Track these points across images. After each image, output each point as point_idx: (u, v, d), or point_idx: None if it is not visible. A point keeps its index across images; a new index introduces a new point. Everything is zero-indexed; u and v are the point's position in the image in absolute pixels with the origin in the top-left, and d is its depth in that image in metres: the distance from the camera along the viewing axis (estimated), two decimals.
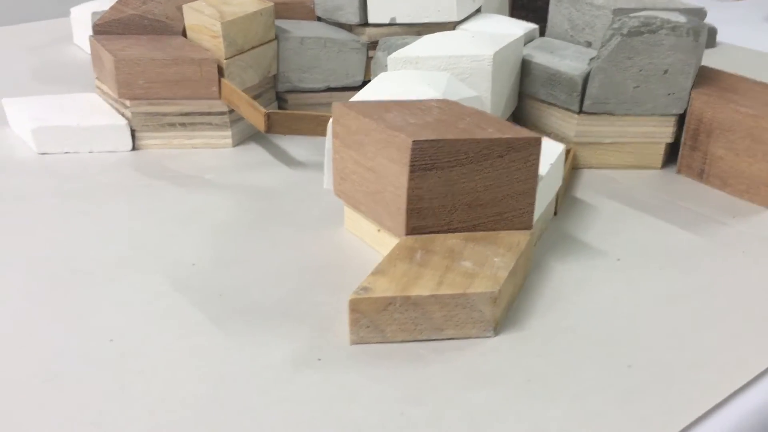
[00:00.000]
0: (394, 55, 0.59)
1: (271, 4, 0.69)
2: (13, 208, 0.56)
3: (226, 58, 0.65)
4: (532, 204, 0.49)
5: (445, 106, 0.51)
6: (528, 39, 0.71)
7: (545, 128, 0.66)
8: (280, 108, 0.73)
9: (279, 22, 0.74)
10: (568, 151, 0.63)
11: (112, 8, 0.70)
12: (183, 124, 0.66)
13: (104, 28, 0.69)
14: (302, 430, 0.37)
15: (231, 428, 0.37)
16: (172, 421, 0.37)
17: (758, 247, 0.53)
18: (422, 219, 0.48)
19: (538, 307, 0.46)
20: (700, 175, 0.63)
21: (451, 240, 0.48)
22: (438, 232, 0.48)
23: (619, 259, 0.52)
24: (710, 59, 0.88)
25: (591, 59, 0.63)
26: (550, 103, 0.65)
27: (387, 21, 0.71)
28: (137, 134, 0.66)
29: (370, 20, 0.71)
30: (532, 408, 0.38)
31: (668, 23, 0.60)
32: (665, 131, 0.63)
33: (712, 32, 0.97)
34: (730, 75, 0.65)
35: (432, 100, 0.51)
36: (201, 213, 0.56)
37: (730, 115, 0.60)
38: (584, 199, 0.60)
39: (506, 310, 0.46)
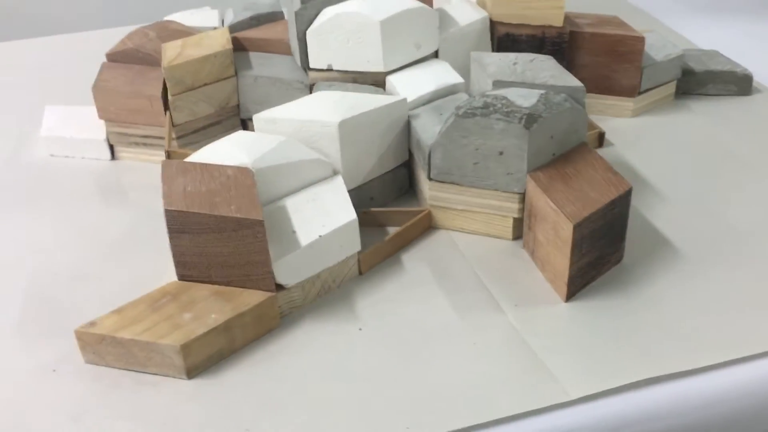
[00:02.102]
0: (257, 115, 0.69)
1: (229, 47, 0.81)
2: None
3: (172, 95, 0.79)
4: (268, 271, 0.57)
5: (238, 174, 0.60)
6: (450, 92, 0.75)
7: (420, 186, 0.71)
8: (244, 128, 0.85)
9: (253, 56, 0.85)
10: (424, 213, 0.69)
11: (121, 41, 0.87)
12: (144, 144, 0.82)
13: (113, 57, 0.86)
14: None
15: None
16: None
17: (495, 342, 0.56)
18: (188, 269, 0.59)
19: (249, 361, 0.56)
20: (532, 254, 0.65)
21: (202, 291, 0.58)
22: (202, 281, 0.59)
23: (360, 329, 0.58)
24: (745, 110, 0.84)
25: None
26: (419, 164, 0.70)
27: (324, 67, 0.79)
28: (115, 147, 0.83)
29: (311, 65, 0.80)
30: None
31: (504, 108, 0.62)
32: (511, 206, 0.66)
33: (747, 79, 0.89)
34: (589, 157, 0.65)
35: (230, 168, 0.61)
36: (95, 227, 0.71)
37: (543, 206, 0.61)
38: (405, 262, 0.65)
39: (212, 359, 0.55)
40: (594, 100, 0.87)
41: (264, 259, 0.57)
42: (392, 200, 0.73)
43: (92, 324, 0.55)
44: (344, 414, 0.51)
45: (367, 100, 0.69)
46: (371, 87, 0.77)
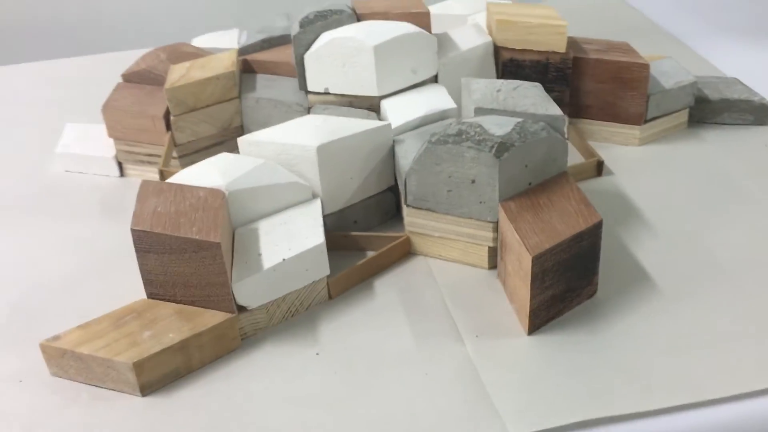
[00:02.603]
0: (242, 138, 0.70)
1: (232, 70, 0.83)
2: None
3: (173, 115, 0.81)
4: (227, 293, 0.58)
5: (209, 196, 0.62)
6: (441, 117, 0.75)
7: (402, 211, 0.71)
8: None
9: (260, 78, 0.87)
10: (402, 239, 0.69)
11: (136, 62, 0.90)
12: (149, 162, 0.84)
13: (128, 78, 0.89)
14: None
15: None
16: None
17: (446, 373, 0.55)
18: (155, 288, 0.60)
19: (204, 380, 0.57)
20: (504, 285, 0.64)
21: (166, 310, 0.59)
22: (168, 300, 0.60)
23: (317, 354, 0.58)
24: (760, 141, 0.83)
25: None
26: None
27: (322, 90, 0.80)
28: (123, 165, 0.86)
29: (309, 88, 0.81)
30: None
31: (477, 136, 0.62)
32: (485, 235, 0.65)
33: (764, 108, 0.86)
34: (566, 187, 0.63)
35: (203, 189, 0.62)
36: (89, 241, 0.74)
37: (509, 236, 0.60)
38: (377, 287, 0.65)
39: (168, 377, 0.57)
40: (600, 128, 0.85)
41: (223, 280, 0.58)
42: (377, 224, 0.73)
43: (56, 338, 0.57)
44: None
45: (349, 125, 0.70)
46: (365, 111, 0.77)
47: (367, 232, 0.71)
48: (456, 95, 0.78)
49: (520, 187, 0.63)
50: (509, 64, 0.85)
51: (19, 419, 0.54)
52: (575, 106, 0.86)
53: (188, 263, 0.58)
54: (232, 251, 0.62)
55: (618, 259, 0.66)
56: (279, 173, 0.67)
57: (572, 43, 0.86)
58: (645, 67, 0.81)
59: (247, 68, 0.89)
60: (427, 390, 0.54)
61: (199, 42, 1.02)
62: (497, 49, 0.86)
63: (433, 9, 0.99)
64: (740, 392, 0.51)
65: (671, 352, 0.56)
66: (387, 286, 0.65)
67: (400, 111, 0.75)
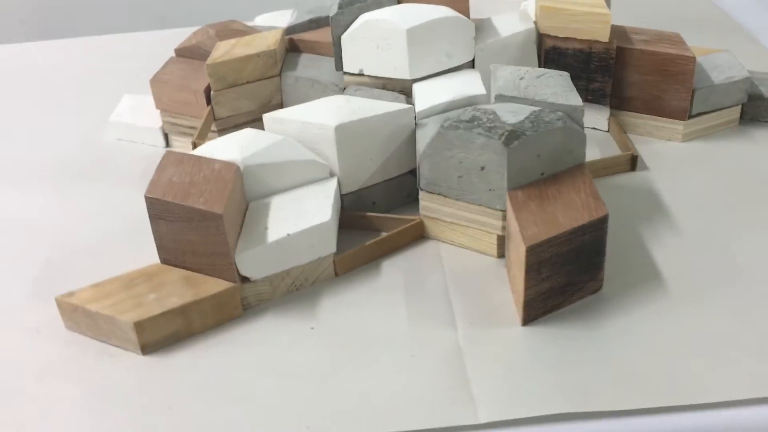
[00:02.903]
0: (267, 114, 0.72)
1: (273, 48, 0.84)
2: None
3: (214, 90, 0.83)
4: (230, 263, 0.60)
5: (223, 168, 0.64)
6: (470, 103, 0.75)
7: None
8: None
9: (303, 57, 0.89)
10: (415, 222, 0.69)
11: (188, 37, 0.93)
12: (191, 134, 0.87)
13: (180, 53, 0.93)
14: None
15: None
16: None
17: (432, 357, 0.56)
18: (167, 254, 0.63)
19: (203, 345, 0.59)
20: (508, 274, 0.63)
21: (175, 275, 0.62)
22: (178, 266, 0.63)
23: (312, 328, 0.60)
24: None
25: None
26: None
27: (356, 71, 0.81)
28: (169, 136, 0.90)
29: (345, 69, 0.82)
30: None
31: (489, 123, 0.62)
32: (494, 223, 0.64)
33: None
34: (579, 180, 0.62)
35: (219, 162, 0.64)
36: (124, 207, 0.77)
37: (512, 225, 0.60)
38: (384, 268, 0.66)
39: (169, 339, 0.59)
40: (644, 121, 0.83)
41: (225, 250, 0.60)
42: (397, 206, 0.74)
43: (70, 294, 0.61)
44: (258, 407, 0.53)
45: (372, 106, 0.70)
46: (395, 94, 0.77)
47: (386, 213, 0.72)
48: (488, 82, 0.77)
49: (531, 176, 0.63)
50: (552, 52, 0.83)
51: (31, 366, 0.58)
52: (618, 98, 0.83)
53: (195, 232, 0.60)
54: (242, 223, 0.64)
55: (633, 256, 0.64)
56: (297, 150, 0.68)
57: (620, 32, 0.83)
58: (691, 60, 0.78)
59: (293, 47, 0.91)
60: (409, 371, 0.55)
61: (261, 20, 1.05)
62: (541, 36, 0.84)
63: None
64: (721, 400, 0.49)
65: (665, 354, 0.54)
66: (394, 268, 0.66)
67: (428, 95, 0.75)
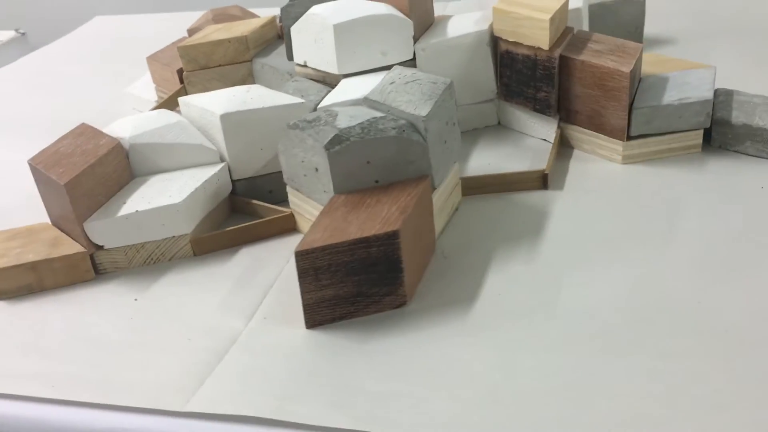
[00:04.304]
0: (182, 98, 0.76)
1: (244, 35, 0.89)
2: None
3: (186, 71, 0.90)
4: (80, 230, 0.66)
5: (103, 144, 0.69)
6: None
7: None
8: None
9: (279, 45, 0.92)
10: (284, 215, 0.71)
11: (198, 20, 1.00)
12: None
13: (190, 32, 1.00)
14: None
15: None
16: None
17: (205, 344, 0.58)
18: (50, 216, 0.71)
19: (47, 299, 0.66)
20: None
21: (49, 234, 0.69)
22: (58, 228, 0.70)
23: (136, 300, 0.64)
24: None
25: None
26: None
27: (302, 63, 0.83)
28: None
29: (294, 60, 0.84)
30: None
31: (323, 125, 0.62)
32: None
33: None
34: (405, 192, 0.61)
35: (106, 137, 0.70)
36: None
37: None
38: (239, 255, 0.69)
39: (22, 290, 0.67)
40: (588, 137, 0.77)
41: (73, 218, 0.66)
42: None
43: None
44: (55, 361, 0.58)
45: (267, 99, 0.73)
46: (328, 88, 0.79)
47: (280, 202, 0.74)
48: None
49: (363, 182, 0.62)
50: (505, 56, 0.80)
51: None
52: (566, 110, 0.78)
53: (57, 199, 0.67)
54: (114, 194, 0.69)
55: (466, 277, 0.62)
56: (188, 134, 0.72)
57: (578, 39, 0.78)
58: (624, 75, 0.71)
59: (282, 34, 0.94)
60: (171, 353, 0.57)
61: None
62: (497, 39, 0.81)
63: None
64: None
65: (400, 380, 0.52)
66: (246, 256, 0.68)
67: (341, 92, 0.76)
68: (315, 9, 0.80)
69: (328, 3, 0.80)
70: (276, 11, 1.07)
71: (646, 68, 0.79)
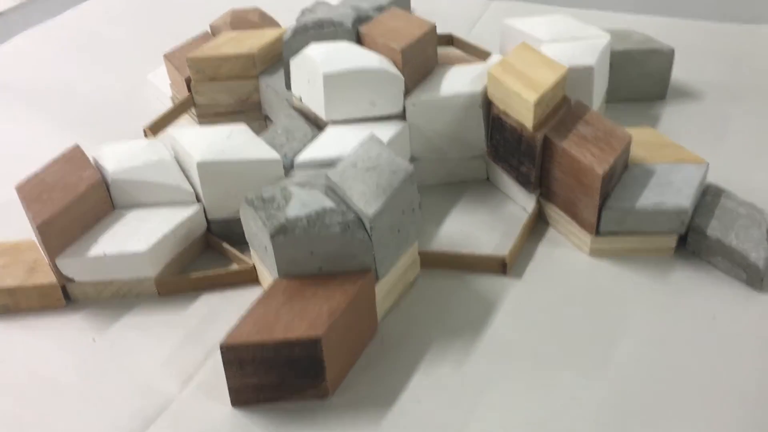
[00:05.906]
0: (170, 132, 0.79)
1: (252, 52, 0.90)
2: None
3: (194, 81, 0.92)
4: (54, 263, 0.71)
5: (84, 178, 0.73)
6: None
7: None
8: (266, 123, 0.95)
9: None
10: (246, 267, 0.74)
11: (221, 16, 1.01)
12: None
13: (213, 30, 1.01)
14: None
15: None
16: None
17: (116, 398, 0.63)
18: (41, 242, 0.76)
19: (19, 323, 0.72)
20: None
21: (31, 256, 0.75)
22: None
23: (94, 340, 0.69)
24: (731, 310, 0.68)
25: None
26: None
27: (298, 97, 0.84)
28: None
29: (293, 91, 0.85)
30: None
31: (273, 209, 0.64)
32: None
33: (754, 270, 0.68)
34: (342, 290, 0.62)
35: (89, 170, 0.74)
36: None
37: None
38: (200, 300, 0.72)
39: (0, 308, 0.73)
40: (563, 220, 0.76)
41: (47, 251, 0.71)
42: None
43: None
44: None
45: (246, 148, 0.74)
46: (316, 129, 0.80)
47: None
48: (423, 137, 0.80)
49: (306, 269, 0.64)
50: (496, 121, 0.79)
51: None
52: (546, 188, 0.77)
53: (35, 230, 0.72)
54: (92, 227, 0.73)
55: (399, 378, 0.64)
56: (168, 173, 0.75)
57: (567, 115, 0.76)
58: (597, 176, 0.69)
59: None
60: (107, 408, 0.62)
61: None
62: (491, 103, 0.80)
63: (514, 23, 0.93)
64: None
65: None
66: (204, 304, 0.72)
67: (321, 145, 0.77)
68: (310, 50, 0.80)
69: (323, 46, 0.80)
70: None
71: (638, 148, 0.77)
